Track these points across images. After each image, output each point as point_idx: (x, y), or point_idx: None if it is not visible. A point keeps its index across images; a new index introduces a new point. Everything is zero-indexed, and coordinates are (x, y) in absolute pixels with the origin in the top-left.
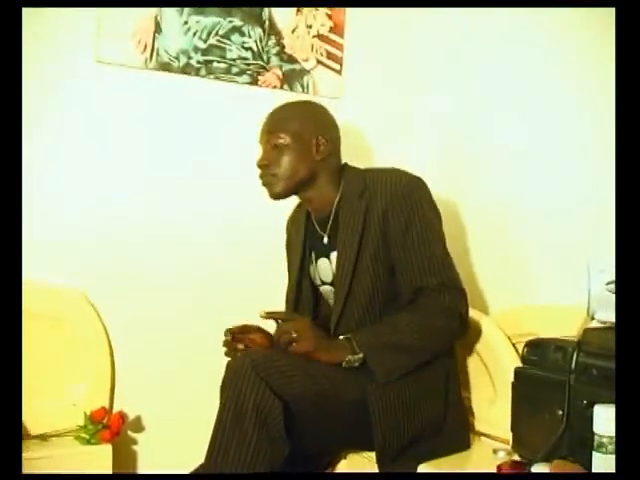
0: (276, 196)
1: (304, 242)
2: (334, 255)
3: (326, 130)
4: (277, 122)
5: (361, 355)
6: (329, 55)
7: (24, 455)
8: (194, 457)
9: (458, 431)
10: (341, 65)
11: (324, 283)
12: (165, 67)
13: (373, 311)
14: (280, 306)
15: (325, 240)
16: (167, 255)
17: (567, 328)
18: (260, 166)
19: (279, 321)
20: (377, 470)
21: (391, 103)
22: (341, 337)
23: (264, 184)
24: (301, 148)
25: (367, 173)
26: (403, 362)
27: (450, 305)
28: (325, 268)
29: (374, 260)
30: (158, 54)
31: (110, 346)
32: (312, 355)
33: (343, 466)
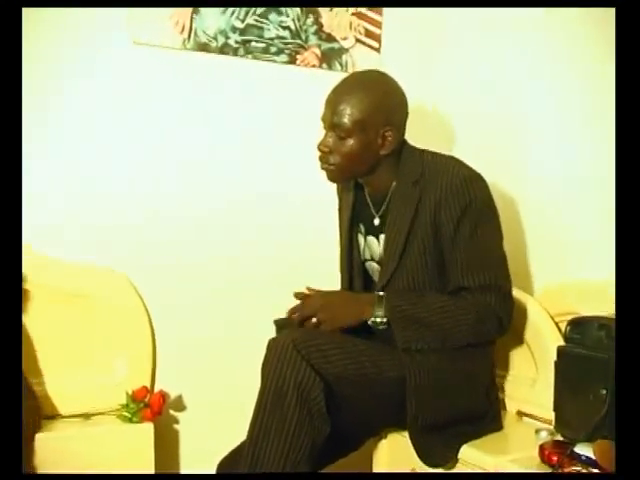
0: (333, 181)
1: (352, 214)
2: (383, 238)
3: (395, 119)
4: (344, 105)
5: (385, 320)
6: (367, 33)
7: (66, 433)
8: (235, 436)
9: (495, 418)
10: (380, 43)
11: (373, 259)
12: (203, 47)
13: None
14: (325, 282)
15: (376, 221)
16: (209, 234)
17: (610, 305)
18: (320, 151)
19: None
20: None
21: (429, 80)
22: (379, 293)
23: (322, 168)
24: (366, 141)
25: (425, 158)
26: (425, 336)
27: (488, 306)
28: (374, 246)
29: (422, 252)
30: (196, 34)
31: (151, 326)
32: (340, 329)
33: (383, 445)
